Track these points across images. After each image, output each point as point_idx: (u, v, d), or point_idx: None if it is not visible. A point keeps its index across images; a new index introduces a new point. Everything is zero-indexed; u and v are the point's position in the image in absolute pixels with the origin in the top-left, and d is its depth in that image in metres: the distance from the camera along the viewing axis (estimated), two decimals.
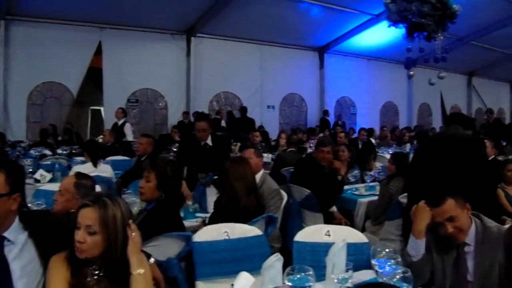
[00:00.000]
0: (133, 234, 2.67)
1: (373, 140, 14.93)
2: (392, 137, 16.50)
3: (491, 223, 3.44)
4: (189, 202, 6.24)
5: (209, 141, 7.09)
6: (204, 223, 4.93)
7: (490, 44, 21.01)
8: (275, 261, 3.00)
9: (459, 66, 23.48)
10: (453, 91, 24.73)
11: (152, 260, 3.05)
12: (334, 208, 6.84)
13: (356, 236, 4.02)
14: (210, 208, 5.82)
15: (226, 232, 4.01)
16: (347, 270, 3.10)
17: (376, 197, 6.83)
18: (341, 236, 3.78)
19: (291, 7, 15.73)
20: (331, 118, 20.30)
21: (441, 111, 24.35)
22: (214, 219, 4.55)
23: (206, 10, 15.39)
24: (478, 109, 26.96)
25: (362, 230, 6.61)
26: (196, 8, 15.29)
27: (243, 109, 17.33)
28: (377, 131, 17.27)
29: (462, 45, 19.54)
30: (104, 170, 7.59)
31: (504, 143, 12.55)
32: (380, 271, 2.98)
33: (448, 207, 3.29)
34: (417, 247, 3.39)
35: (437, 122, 23.51)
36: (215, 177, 6.57)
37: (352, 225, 6.67)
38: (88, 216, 2.59)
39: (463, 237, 3.32)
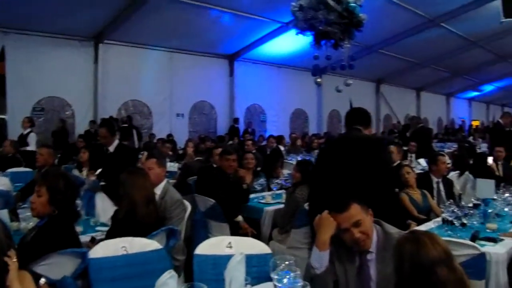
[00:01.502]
0: (13, 260, 2.51)
1: (282, 148, 15.02)
2: (301, 144, 16.64)
3: (392, 229, 3.43)
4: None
5: (112, 148, 6.99)
6: (93, 240, 4.76)
7: (397, 52, 21.78)
8: (169, 278, 2.88)
9: (367, 74, 24.20)
10: (362, 98, 25.23)
11: (42, 280, 2.87)
12: (240, 218, 6.76)
13: (259, 247, 3.94)
14: (102, 215, 5.72)
15: (124, 247, 3.84)
16: (245, 285, 3.02)
17: (282, 205, 6.81)
18: (243, 247, 3.71)
19: (202, 14, 15.58)
20: (241, 126, 20.38)
21: None
22: (112, 234, 4.38)
23: (115, 17, 15.02)
24: (386, 115, 27.71)
25: (269, 238, 6.60)
26: (104, 14, 14.87)
27: (129, 118, 16.91)
28: (288, 138, 17.44)
29: (370, 53, 20.20)
30: (1, 182, 7.25)
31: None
32: (279, 284, 2.89)
33: (353, 212, 3.26)
34: (321, 258, 3.30)
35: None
36: (102, 183, 6.46)
37: (259, 234, 6.63)
38: None
39: (369, 243, 3.30)
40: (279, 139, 15.70)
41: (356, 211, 3.27)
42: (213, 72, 19.96)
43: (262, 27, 17.66)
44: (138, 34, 16.29)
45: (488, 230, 5.31)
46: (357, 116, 5.16)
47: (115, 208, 5.31)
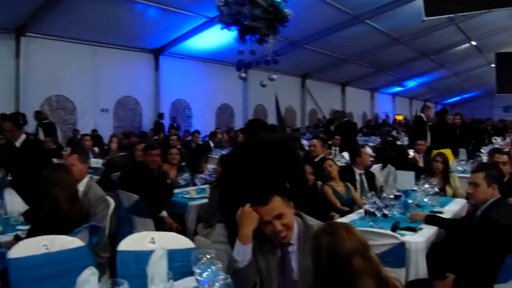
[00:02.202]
0: None
1: (212, 144, 15.07)
2: (227, 139, 16.68)
3: (312, 221, 3.50)
4: None
5: (18, 143, 6.92)
6: (18, 238, 4.64)
7: (323, 48, 22.10)
8: (90, 275, 2.85)
9: (293, 69, 24.51)
10: (288, 92, 25.64)
11: None
12: (164, 213, 6.79)
13: (182, 242, 3.98)
14: (12, 211, 5.65)
15: (45, 245, 3.77)
16: (168, 279, 3.01)
17: (207, 200, 6.87)
18: (166, 242, 3.71)
19: (127, 7, 15.31)
20: (166, 121, 20.24)
21: (276, 113, 25.04)
22: (34, 232, 4.27)
23: (37, 8, 14.46)
24: (311, 110, 28.07)
25: (194, 233, 6.62)
26: (27, 5, 14.30)
27: (37, 113, 16.21)
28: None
29: (296, 48, 20.42)
30: None
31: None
32: (200, 278, 2.90)
33: (276, 204, 3.31)
34: (244, 252, 3.34)
35: (272, 123, 24.14)
36: (8, 177, 6.41)
37: (184, 229, 6.64)
38: None
39: (290, 235, 3.35)
40: (212, 134, 15.73)
41: (277, 204, 3.33)
42: (138, 66, 19.65)
43: (188, 21, 17.50)
44: (61, 27, 15.80)
45: (409, 220, 5.49)
46: (258, 125, 5.77)
47: (23, 203, 5.22)
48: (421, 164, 9.77)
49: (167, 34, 18.72)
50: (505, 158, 6.68)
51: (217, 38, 16.66)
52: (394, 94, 39.54)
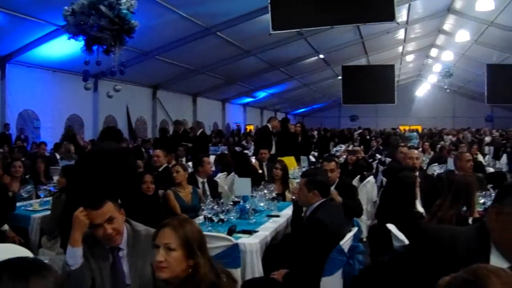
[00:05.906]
0: None
1: (58, 156, 14.78)
2: (75, 150, 16.37)
3: (140, 226, 3.74)
4: None
5: None
6: None
7: (174, 59, 22.12)
8: None
9: (144, 79, 24.44)
10: (139, 103, 25.65)
11: None
12: (5, 227, 6.64)
13: (21, 253, 3.98)
14: None
15: None
16: None
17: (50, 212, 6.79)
18: (5, 254, 3.69)
19: None
20: (13, 132, 19.46)
21: (127, 123, 24.86)
22: None
23: None
24: (162, 120, 28.09)
25: (39, 246, 6.58)
26: None
27: None
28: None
29: (147, 59, 20.30)
30: None
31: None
32: None
33: (107, 209, 3.52)
34: (75, 255, 3.49)
35: (123, 133, 23.91)
36: None
37: (27, 242, 6.56)
38: None
39: (119, 239, 3.57)
40: (56, 146, 15.45)
41: (109, 208, 3.53)
42: None
43: (37, 29, 16.85)
44: None
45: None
46: (110, 133, 6.10)
47: None
48: (265, 172, 10.19)
49: (14, 41, 17.92)
50: (332, 165, 7.12)
51: (66, 47, 16.27)
52: (245, 105, 40.36)
